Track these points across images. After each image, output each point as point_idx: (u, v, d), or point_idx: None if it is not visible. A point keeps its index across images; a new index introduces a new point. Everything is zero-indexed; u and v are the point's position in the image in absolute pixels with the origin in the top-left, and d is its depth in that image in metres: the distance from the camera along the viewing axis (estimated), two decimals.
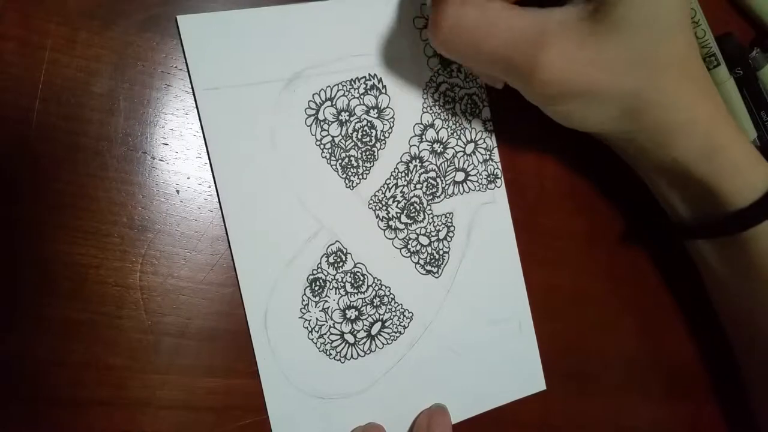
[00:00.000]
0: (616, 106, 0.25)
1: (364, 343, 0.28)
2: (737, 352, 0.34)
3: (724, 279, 0.31)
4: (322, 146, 0.28)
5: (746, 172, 0.27)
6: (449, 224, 0.30)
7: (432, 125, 0.30)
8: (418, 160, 0.29)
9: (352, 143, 0.28)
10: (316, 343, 0.28)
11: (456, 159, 0.30)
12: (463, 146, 0.30)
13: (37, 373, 0.24)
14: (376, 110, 0.28)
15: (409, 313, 0.29)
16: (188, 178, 0.26)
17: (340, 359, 0.28)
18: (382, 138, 0.29)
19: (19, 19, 0.24)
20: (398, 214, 0.29)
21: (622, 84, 0.24)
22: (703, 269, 0.32)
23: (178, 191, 0.26)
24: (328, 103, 0.28)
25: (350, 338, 0.28)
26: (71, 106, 0.24)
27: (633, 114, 0.25)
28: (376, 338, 0.29)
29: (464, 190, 0.30)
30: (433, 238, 0.30)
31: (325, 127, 0.28)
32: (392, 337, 0.29)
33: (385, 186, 0.29)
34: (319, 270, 0.28)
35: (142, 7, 0.25)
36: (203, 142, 0.26)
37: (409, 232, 0.29)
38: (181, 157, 0.26)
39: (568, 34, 0.23)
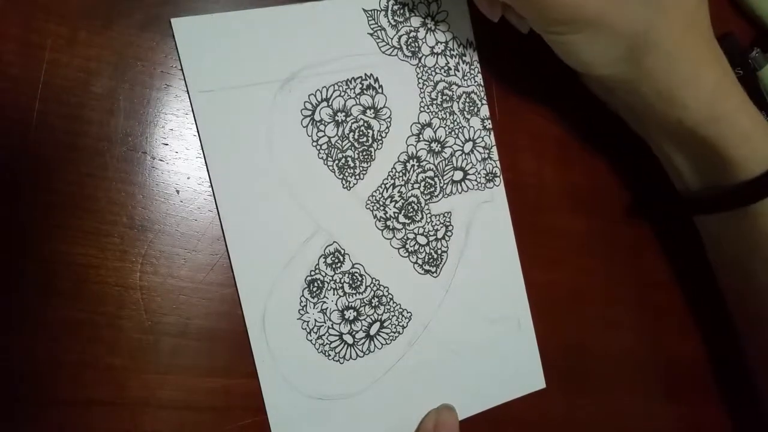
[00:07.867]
0: (621, 43, 0.25)
1: (363, 343, 0.28)
2: (742, 334, 0.33)
3: (731, 257, 0.30)
4: (318, 147, 0.28)
5: (755, 141, 0.26)
6: (447, 223, 0.30)
7: (429, 124, 0.30)
8: (415, 160, 0.29)
9: (349, 143, 0.28)
10: (314, 344, 0.28)
11: (454, 158, 0.30)
12: (462, 145, 0.30)
13: (37, 373, 0.24)
14: (372, 110, 0.28)
15: (407, 312, 0.29)
16: (188, 178, 0.26)
17: (339, 360, 0.28)
18: (379, 138, 0.29)
19: (19, 19, 0.24)
20: (396, 214, 0.29)
21: (631, 19, 0.24)
22: (710, 247, 0.31)
23: (178, 191, 0.26)
24: (324, 103, 0.28)
25: (349, 339, 0.28)
26: (71, 106, 0.24)
27: (638, 55, 0.25)
28: (374, 338, 0.29)
29: (463, 189, 0.30)
30: (431, 238, 0.30)
31: (322, 127, 0.28)
32: (391, 337, 0.29)
33: (383, 186, 0.29)
34: (317, 271, 0.28)
35: (142, 7, 0.25)
36: None
37: (407, 231, 0.29)
38: (181, 157, 0.26)
39: None
